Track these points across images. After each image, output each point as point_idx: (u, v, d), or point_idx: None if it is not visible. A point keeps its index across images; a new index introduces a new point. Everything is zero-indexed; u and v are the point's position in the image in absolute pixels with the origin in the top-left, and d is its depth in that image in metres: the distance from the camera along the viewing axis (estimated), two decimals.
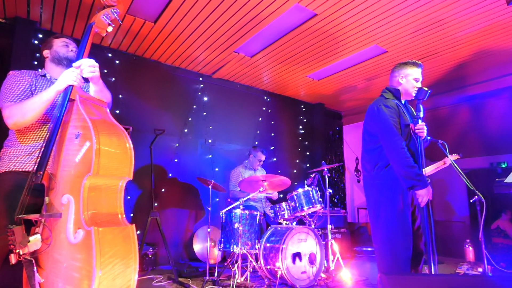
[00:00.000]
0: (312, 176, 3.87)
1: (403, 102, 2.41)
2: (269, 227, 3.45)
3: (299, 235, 3.23)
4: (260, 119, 5.57)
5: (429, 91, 2.19)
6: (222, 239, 3.31)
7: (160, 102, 4.57)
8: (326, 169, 3.78)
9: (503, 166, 5.00)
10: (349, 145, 6.76)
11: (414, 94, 2.30)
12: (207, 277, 3.24)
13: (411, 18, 3.43)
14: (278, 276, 3.00)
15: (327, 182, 3.76)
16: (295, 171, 5.91)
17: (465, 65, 4.50)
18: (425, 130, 2.20)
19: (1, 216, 1.64)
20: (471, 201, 3.23)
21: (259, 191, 3.52)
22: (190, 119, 4.82)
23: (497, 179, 3.60)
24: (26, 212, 1.46)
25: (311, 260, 3.21)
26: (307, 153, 6.17)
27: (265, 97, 5.70)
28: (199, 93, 4.97)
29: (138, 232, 3.88)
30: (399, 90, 2.38)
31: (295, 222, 3.67)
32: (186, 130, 4.75)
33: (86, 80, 1.80)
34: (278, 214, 3.59)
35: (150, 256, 3.81)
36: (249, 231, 3.27)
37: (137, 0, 3.24)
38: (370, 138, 2.34)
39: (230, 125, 5.19)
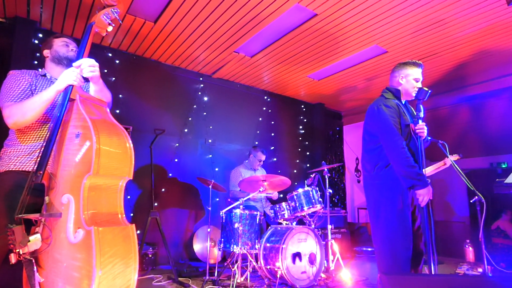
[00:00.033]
0: (312, 176, 3.87)
1: (403, 102, 2.41)
2: (269, 227, 3.45)
3: (299, 235, 3.23)
4: (260, 119, 5.57)
5: (429, 91, 2.19)
6: (222, 239, 3.31)
7: (160, 102, 4.57)
8: (326, 169, 3.78)
9: (503, 166, 5.00)
10: (349, 145, 6.76)
11: (414, 95, 2.30)
12: (207, 277, 3.24)
13: (411, 18, 3.43)
14: (278, 276, 3.00)
15: (327, 182, 3.76)
16: (295, 171, 5.91)
17: (465, 65, 4.50)
18: (425, 130, 2.20)
19: (1, 215, 1.64)
20: (471, 201, 3.23)
21: (259, 191, 3.52)
22: (190, 119, 4.82)
23: (497, 180, 3.60)
24: (26, 211, 1.46)
25: (311, 260, 3.21)
26: (307, 153, 6.17)
27: (265, 97, 5.70)
28: (199, 93, 4.97)
29: (138, 231, 3.88)
30: (399, 90, 2.38)
31: (295, 222, 3.67)
32: (186, 130, 4.75)
33: (86, 79, 1.80)
34: (278, 214, 3.59)
35: (150, 255, 3.81)
36: (249, 231, 3.27)
37: (137, 0, 3.24)
38: (370, 138, 2.34)
39: (230, 125, 5.19)
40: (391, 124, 2.18)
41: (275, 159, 5.63)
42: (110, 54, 4.23)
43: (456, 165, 2.65)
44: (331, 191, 3.88)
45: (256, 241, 3.26)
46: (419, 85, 2.33)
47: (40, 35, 3.74)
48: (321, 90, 5.62)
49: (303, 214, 3.55)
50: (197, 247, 4.32)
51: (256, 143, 5.38)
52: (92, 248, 1.33)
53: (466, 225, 5.24)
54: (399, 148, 2.11)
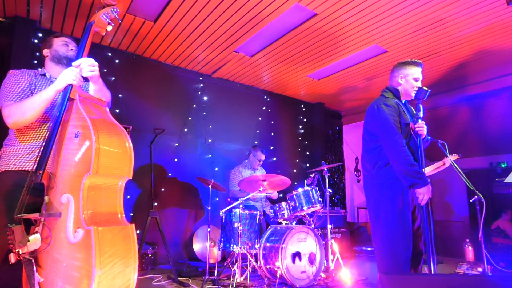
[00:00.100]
0: (312, 175, 3.87)
1: (403, 101, 2.41)
2: (269, 227, 3.45)
3: (299, 234, 3.23)
4: (260, 118, 5.57)
5: (429, 90, 2.19)
6: (222, 239, 3.31)
7: (160, 101, 4.57)
8: (326, 169, 3.78)
9: (503, 166, 5.00)
10: (349, 145, 6.76)
11: (413, 95, 2.30)
12: (207, 277, 3.24)
13: (411, 18, 3.43)
14: (278, 275, 3.00)
15: (326, 181, 3.76)
16: (295, 170, 5.91)
17: (465, 65, 4.50)
18: (425, 129, 2.19)
19: (0, 215, 1.64)
20: (470, 201, 3.23)
21: (259, 190, 3.52)
22: (190, 118, 4.81)
23: (496, 179, 3.60)
24: (25, 211, 1.46)
25: (311, 260, 3.21)
26: (307, 152, 6.17)
27: (265, 97, 5.70)
28: (199, 93, 4.96)
29: (138, 231, 3.88)
30: (398, 90, 2.38)
31: (295, 222, 3.67)
32: (186, 130, 4.75)
33: (85, 79, 1.80)
34: (278, 213, 3.59)
35: (150, 255, 3.81)
36: (248, 230, 3.27)
37: None
38: (370, 137, 2.34)
39: (230, 125, 5.19)
40: (391, 123, 2.17)
41: (274, 158, 5.63)
42: (109, 54, 4.23)
43: (455, 165, 2.65)
44: (330, 190, 3.88)
45: (256, 240, 3.26)
46: (419, 84, 2.32)
47: (40, 35, 3.73)
48: (321, 89, 5.62)
49: (302, 214, 3.55)
50: (197, 246, 4.32)
51: (256, 142, 5.38)
52: (91, 247, 1.33)
53: (465, 224, 5.24)
54: (399, 147, 2.11)
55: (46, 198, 1.54)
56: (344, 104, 6.39)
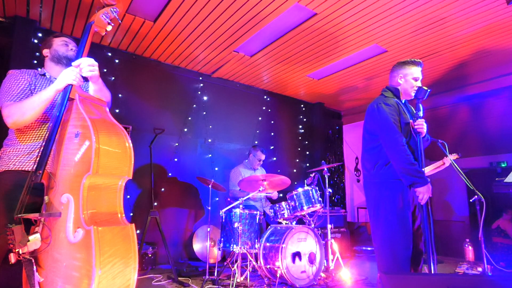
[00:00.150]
0: (312, 175, 3.86)
1: (403, 101, 2.40)
2: (269, 227, 3.45)
3: (299, 234, 3.23)
4: (259, 118, 5.57)
5: (428, 90, 2.19)
6: (222, 239, 3.31)
7: (160, 101, 4.56)
8: (326, 169, 3.78)
9: (503, 165, 5.00)
10: (349, 145, 6.76)
11: (413, 94, 2.29)
12: (207, 277, 3.23)
13: (411, 18, 3.43)
14: (278, 275, 3.00)
15: (326, 181, 3.76)
16: (294, 170, 5.91)
17: (464, 64, 4.50)
18: (424, 127, 2.19)
19: (0, 215, 1.63)
20: (470, 200, 3.24)
21: (259, 190, 3.51)
22: (189, 118, 4.81)
23: (496, 179, 3.61)
24: (25, 211, 1.46)
25: (311, 260, 3.21)
26: (307, 152, 6.17)
27: (265, 97, 5.70)
28: (199, 93, 4.96)
29: (138, 231, 3.88)
30: (398, 90, 2.38)
31: (294, 222, 3.67)
32: (185, 130, 4.75)
33: (85, 79, 1.79)
34: (278, 213, 3.60)
35: (150, 255, 3.81)
36: (248, 230, 3.27)
37: None
38: (370, 136, 2.34)
39: (230, 125, 5.19)
40: (391, 122, 2.17)
41: (274, 158, 5.63)
42: (109, 54, 4.23)
43: (455, 164, 2.65)
44: (330, 190, 3.89)
45: (256, 240, 3.26)
46: (419, 84, 2.32)
47: (40, 35, 3.73)
48: (321, 89, 5.62)
49: (302, 214, 3.55)
50: (197, 246, 4.32)
51: (256, 142, 5.38)
52: (91, 247, 1.33)
53: (465, 224, 5.24)
54: (399, 146, 2.11)
55: (46, 198, 1.54)
56: (344, 104, 6.39)
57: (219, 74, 5.04)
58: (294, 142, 6.06)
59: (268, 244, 3.22)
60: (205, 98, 4.99)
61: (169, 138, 4.55)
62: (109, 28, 1.83)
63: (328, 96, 5.96)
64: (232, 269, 3.12)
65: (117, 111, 4.08)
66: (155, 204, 4.09)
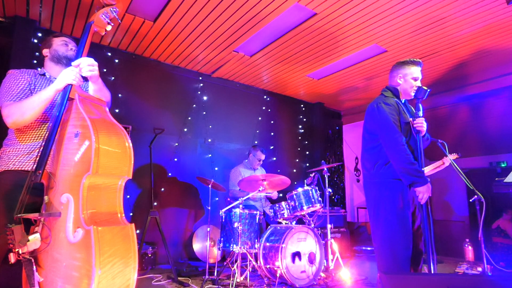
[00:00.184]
0: (311, 175, 3.87)
1: (403, 101, 2.41)
2: (269, 227, 3.45)
3: (299, 234, 3.23)
4: (259, 118, 5.57)
5: (428, 90, 2.19)
6: (222, 239, 3.31)
7: (160, 101, 4.56)
8: (325, 169, 3.78)
9: (503, 165, 5.00)
10: (349, 145, 6.77)
11: (412, 94, 2.29)
12: (207, 276, 3.23)
13: (411, 18, 3.43)
14: (278, 275, 3.00)
15: (326, 181, 3.76)
16: (294, 170, 5.91)
17: (464, 64, 4.50)
18: (424, 125, 2.19)
19: (0, 215, 1.63)
20: (470, 200, 3.23)
21: (259, 190, 3.51)
22: (189, 118, 4.81)
23: (496, 179, 3.61)
24: (25, 211, 1.46)
25: (311, 260, 3.21)
26: (307, 152, 6.17)
27: (265, 97, 5.70)
28: (199, 92, 4.96)
29: (138, 231, 3.88)
30: (398, 89, 2.38)
31: (294, 222, 3.67)
32: (185, 130, 4.75)
33: (85, 79, 1.79)
34: (278, 213, 3.59)
35: (150, 255, 3.81)
36: (248, 230, 3.27)
37: None
38: (370, 136, 2.34)
39: (230, 125, 5.19)
40: (391, 121, 2.17)
41: (274, 158, 5.63)
42: (109, 53, 4.23)
43: (455, 164, 2.65)
44: (330, 190, 3.89)
45: (256, 240, 3.26)
46: (418, 83, 2.32)
47: (40, 34, 3.73)
48: (321, 89, 5.62)
49: (302, 214, 3.55)
50: (197, 246, 4.32)
51: (256, 142, 5.38)
52: (91, 247, 1.33)
53: (465, 224, 5.24)
54: (399, 145, 2.11)
55: (45, 198, 1.54)
56: (344, 103, 6.39)
57: (219, 74, 5.04)
58: (294, 142, 6.06)
59: (268, 244, 3.22)
60: (205, 98, 4.99)
61: (169, 138, 4.55)
62: (108, 28, 1.83)
63: (328, 96, 5.96)
64: (232, 269, 3.12)
65: (117, 111, 4.08)
66: (155, 204, 4.09)
